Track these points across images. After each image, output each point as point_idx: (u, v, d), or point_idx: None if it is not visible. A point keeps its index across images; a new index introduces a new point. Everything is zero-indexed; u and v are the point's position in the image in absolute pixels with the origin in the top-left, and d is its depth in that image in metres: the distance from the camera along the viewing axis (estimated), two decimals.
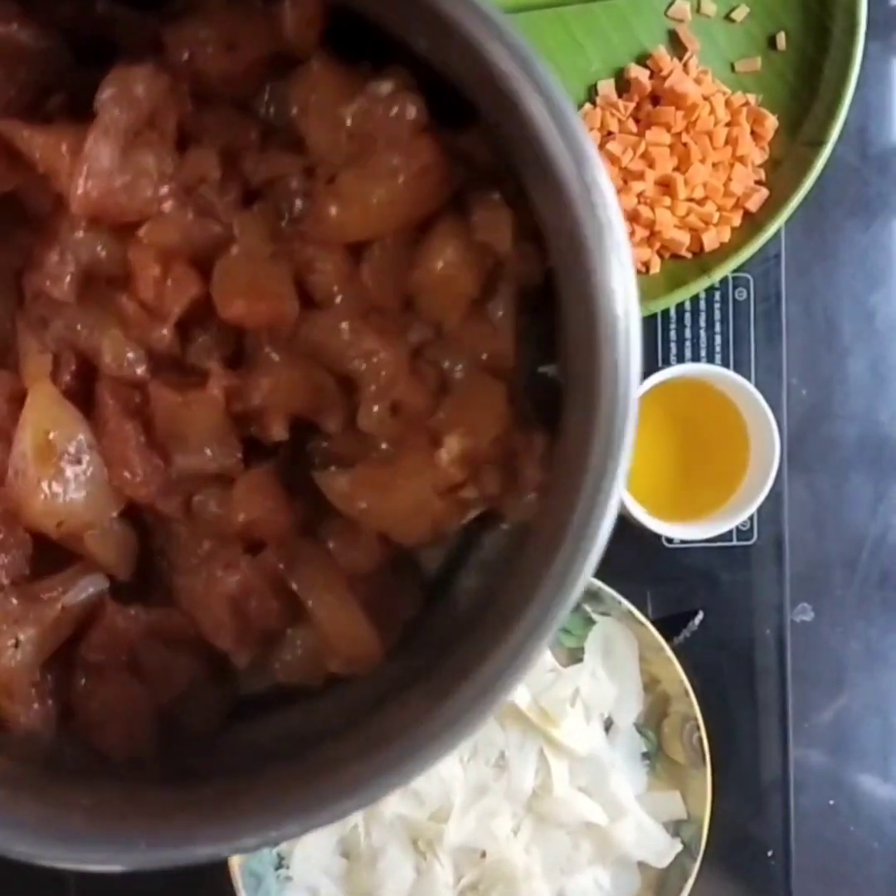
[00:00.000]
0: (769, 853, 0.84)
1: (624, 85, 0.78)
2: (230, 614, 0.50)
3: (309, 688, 0.53)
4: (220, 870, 0.73)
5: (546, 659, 0.77)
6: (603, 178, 0.43)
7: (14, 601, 0.49)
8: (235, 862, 0.73)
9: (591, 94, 0.78)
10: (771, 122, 0.78)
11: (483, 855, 0.77)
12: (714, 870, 0.80)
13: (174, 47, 0.48)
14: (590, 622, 0.78)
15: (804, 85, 0.79)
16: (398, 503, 0.49)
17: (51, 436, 0.48)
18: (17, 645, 0.49)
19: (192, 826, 0.43)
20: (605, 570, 0.70)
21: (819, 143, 0.76)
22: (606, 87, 0.77)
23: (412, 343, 0.50)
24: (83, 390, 0.50)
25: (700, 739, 0.77)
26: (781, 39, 0.79)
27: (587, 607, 0.77)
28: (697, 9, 0.78)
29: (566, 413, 0.49)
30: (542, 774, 0.77)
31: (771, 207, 0.77)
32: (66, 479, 0.48)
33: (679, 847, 0.78)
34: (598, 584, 0.76)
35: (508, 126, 0.45)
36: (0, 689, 0.49)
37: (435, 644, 0.51)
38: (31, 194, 0.49)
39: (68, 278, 0.49)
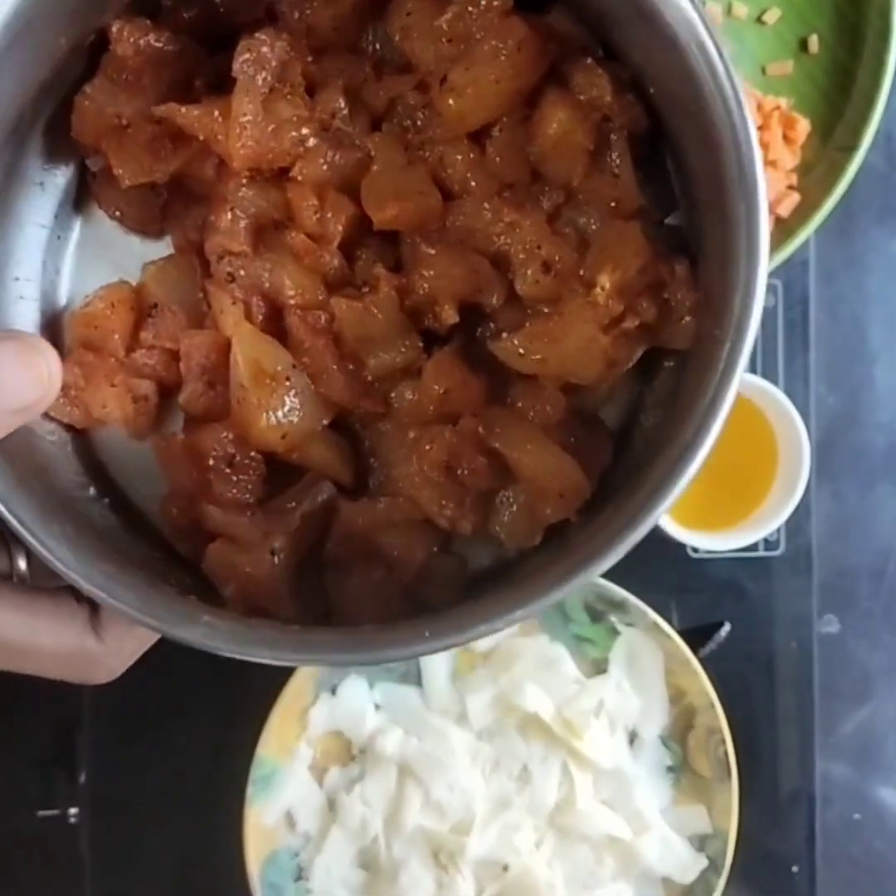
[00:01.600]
0: (794, 868, 0.82)
1: None
2: (446, 480, 0.55)
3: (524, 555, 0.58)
4: (239, 880, 0.73)
5: (569, 670, 0.76)
6: (699, 13, 0.48)
7: (263, 517, 0.56)
8: (255, 873, 0.74)
9: None
10: (803, 126, 0.76)
11: (505, 868, 0.76)
12: (738, 885, 0.79)
13: (285, 11, 0.55)
14: (615, 632, 0.77)
15: (836, 88, 0.77)
16: (569, 346, 0.54)
17: (261, 364, 0.55)
18: (273, 553, 0.55)
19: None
20: (630, 579, 0.74)
21: (852, 148, 0.74)
22: None
23: (547, 208, 0.56)
24: (277, 328, 0.57)
25: (726, 753, 0.75)
26: (814, 42, 0.77)
27: (612, 618, 0.76)
28: (728, 11, 0.77)
29: (705, 241, 0.54)
30: (565, 787, 0.76)
31: (802, 213, 0.75)
32: (281, 396, 0.55)
33: (704, 862, 0.77)
34: (624, 593, 0.75)
35: None
36: (266, 594, 0.55)
37: (615, 489, 0.56)
38: (195, 170, 0.57)
39: (243, 231, 0.56)
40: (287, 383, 0.55)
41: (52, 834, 0.78)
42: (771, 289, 0.80)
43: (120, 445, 0.60)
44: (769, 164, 0.75)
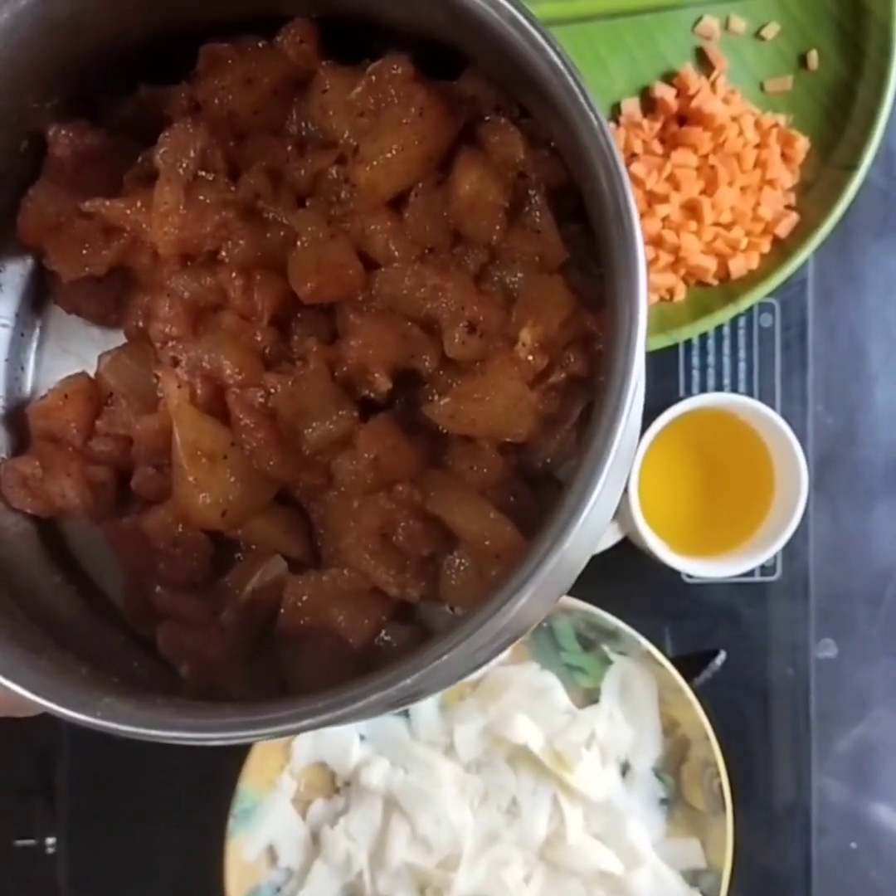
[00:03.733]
0: None
1: (649, 104, 0.74)
2: (383, 547, 0.55)
3: None
4: None
5: (561, 699, 0.74)
6: (583, 87, 0.47)
7: (211, 595, 0.56)
8: None
9: (615, 112, 0.74)
10: (802, 143, 0.74)
11: None
12: None
13: (205, 100, 0.57)
14: (607, 662, 0.75)
15: (837, 106, 0.75)
16: (497, 404, 0.53)
17: (198, 444, 0.56)
18: (222, 631, 0.56)
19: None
20: (623, 605, 0.73)
21: (852, 167, 0.72)
22: (631, 105, 0.74)
23: (472, 268, 0.55)
24: (219, 408, 0.58)
25: (720, 786, 0.73)
26: (813, 58, 0.75)
27: (604, 647, 0.74)
28: (726, 26, 0.75)
29: (607, 293, 0.53)
30: (555, 821, 0.74)
31: (801, 233, 0.74)
32: (218, 475, 0.55)
33: None
34: (616, 622, 0.73)
35: (492, 61, 0.51)
36: (219, 672, 0.56)
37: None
38: (133, 260, 0.58)
39: (180, 316, 0.57)
40: (224, 461, 0.55)
41: (29, 863, 0.77)
42: (768, 308, 0.78)
43: (84, 533, 0.61)
44: (768, 183, 0.74)
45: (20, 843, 0.77)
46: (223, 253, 0.56)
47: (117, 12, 0.52)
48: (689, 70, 0.73)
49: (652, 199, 0.73)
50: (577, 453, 0.55)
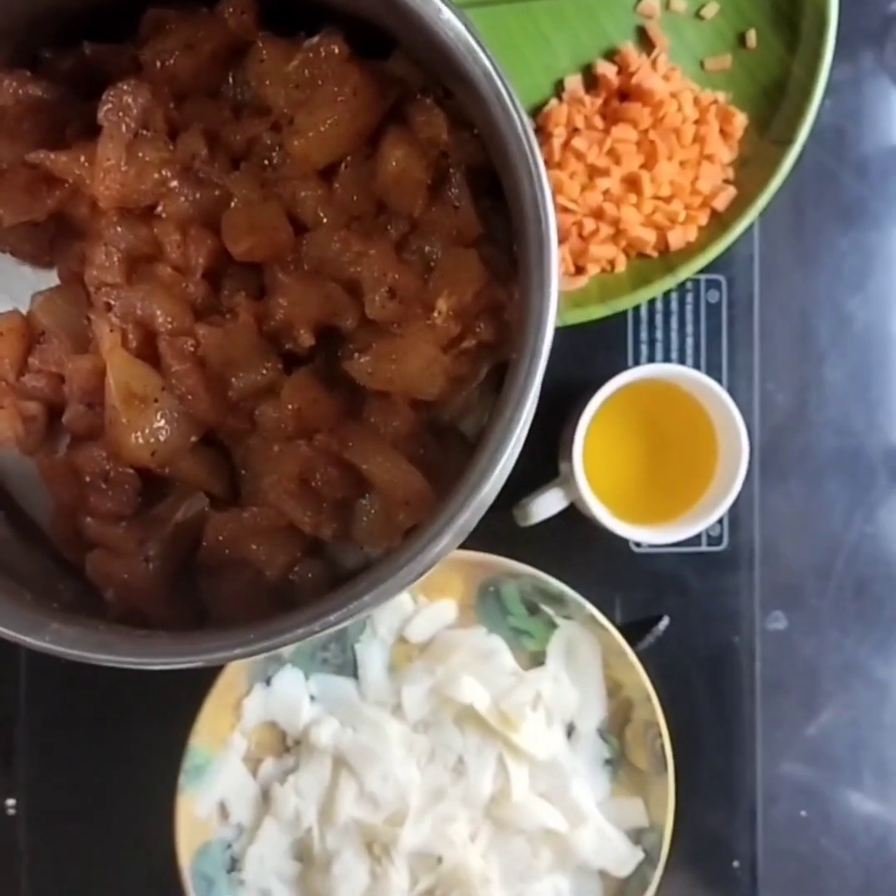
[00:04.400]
0: (735, 864, 0.82)
1: (591, 80, 0.76)
2: (301, 490, 0.60)
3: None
4: (173, 872, 0.73)
5: (507, 662, 0.76)
6: (495, 67, 0.52)
7: (138, 526, 0.61)
8: (185, 865, 0.73)
9: (558, 89, 0.76)
10: (740, 120, 0.76)
11: (439, 861, 0.75)
12: (678, 879, 0.79)
13: (148, 61, 0.60)
14: (552, 626, 0.76)
15: (774, 83, 0.77)
16: (413, 365, 0.59)
17: (131, 387, 0.60)
18: (147, 560, 0.60)
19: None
20: (573, 575, 0.75)
21: (787, 142, 0.74)
22: (573, 82, 0.76)
23: (393, 237, 0.60)
24: (151, 353, 0.62)
25: (663, 746, 0.75)
26: (752, 37, 0.77)
27: (549, 610, 0.76)
28: (667, 5, 0.76)
29: (519, 268, 0.58)
30: (500, 780, 0.76)
31: (738, 206, 0.76)
32: (149, 416, 0.60)
33: (640, 855, 0.77)
34: (561, 587, 0.75)
35: (422, 48, 0.55)
36: (143, 598, 0.60)
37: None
38: (72, 208, 0.62)
39: (116, 265, 0.61)
40: (155, 404, 0.60)
41: None
42: (715, 285, 0.80)
43: (14, 463, 0.65)
44: (706, 158, 0.76)
45: None
46: (160, 208, 0.60)
47: None
48: (630, 48, 0.76)
49: (593, 172, 0.75)
50: (486, 414, 0.61)
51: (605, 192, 0.75)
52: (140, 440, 0.59)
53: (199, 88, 0.61)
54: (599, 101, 0.75)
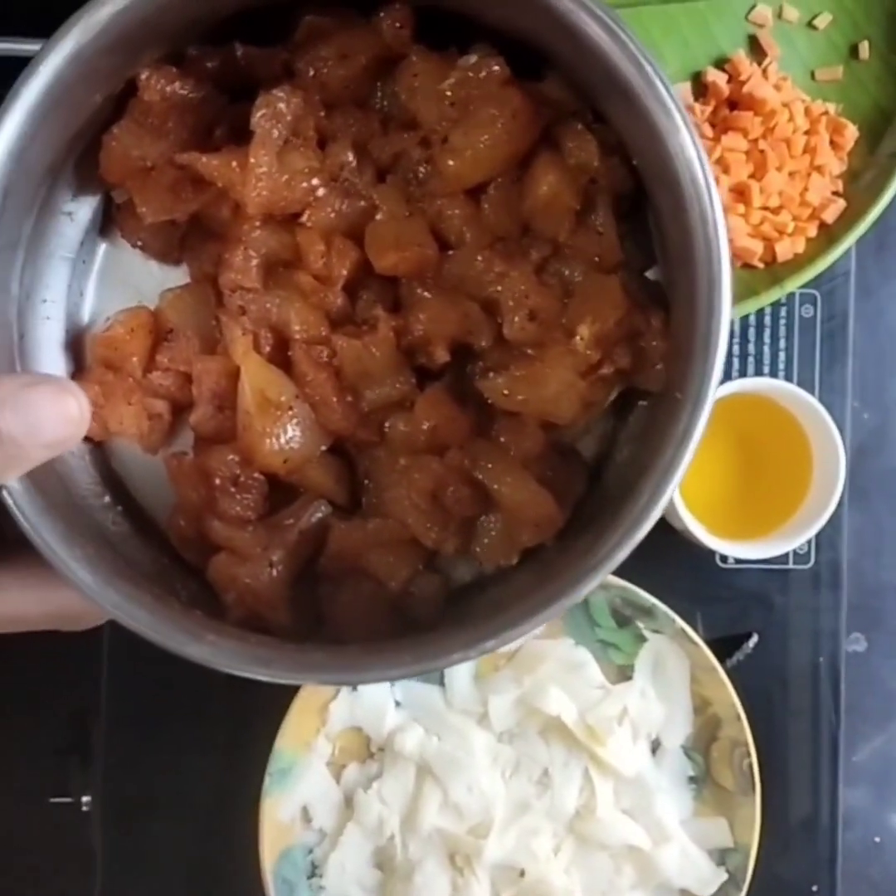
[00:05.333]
0: (814, 888, 0.81)
1: (700, 89, 0.76)
2: (431, 506, 0.60)
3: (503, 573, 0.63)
4: (252, 875, 0.73)
5: (594, 675, 0.76)
6: (672, 94, 0.52)
7: (263, 531, 0.61)
8: (268, 868, 0.73)
9: None
10: (851, 131, 0.76)
11: (522, 874, 0.75)
12: None
13: (301, 68, 0.60)
14: (641, 639, 0.76)
15: (887, 96, 0.76)
16: (550, 389, 0.59)
17: (266, 393, 0.60)
18: (271, 565, 0.61)
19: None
20: (656, 588, 0.75)
21: None
22: (683, 90, 0.75)
23: (535, 260, 0.60)
24: (282, 359, 0.62)
25: (750, 765, 0.75)
26: (864, 48, 0.77)
27: (639, 624, 0.76)
28: (779, 14, 0.76)
29: (673, 296, 0.59)
30: (585, 794, 0.75)
31: (848, 220, 0.75)
32: (283, 424, 0.60)
33: (724, 876, 0.76)
34: (652, 599, 0.74)
35: (584, 66, 0.55)
36: (264, 602, 0.61)
37: (590, 520, 0.61)
38: (213, 210, 0.62)
39: (254, 269, 0.61)
40: (290, 412, 0.60)
41: (64, 821, 0.78)
42: (809, 299, 0.80)
43: (134, 458, 0.65)
44: (816, 169, 0.75)
45: (55, 800, 0.78)
46: (306, 217, 0.60)
47: None
48: (741, 56, 0.75)
49: None
50: (628, 447, 0.62)
51: None
52: (275, 447, 0.59)
53: (348, 98, 0.61)
54: (709, 110, 0.75)
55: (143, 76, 0.60)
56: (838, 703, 0.81)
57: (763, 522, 0.75)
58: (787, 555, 0.80)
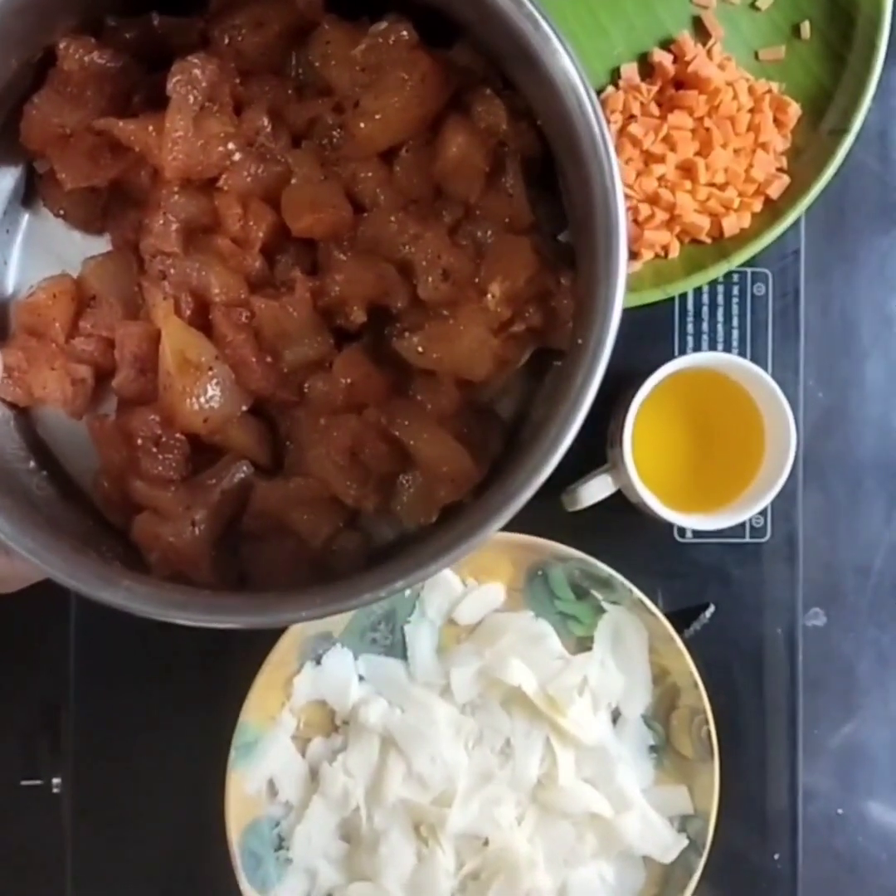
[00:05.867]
0: (776, 856, 0.82)
1: (647, 69, 0.77)
2: (350, 463, 0.62)
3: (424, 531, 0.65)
4: (222, 851, 0.74)
5: (554, 646, 0.77)
6: (574, 63, 0.54)
7: (185, 491, 0.62)
8: (235, 841, 0.73)
9: (615, 77, 0.77)
10: (794, 109, 0.77)
11: (485, 843, 0.76)
12: (718, 869, 0.79)
13: (217, 37, 0.62)
14: (600, 611, 0.77)
15: (828, 74, 0.78)
16: (463, 346, 0.61)
17: (186, 354, 0.61)
18: (194, 524, 0.62)
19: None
20: (616, 563, 0.75)
21: (842, 131, 0.76)
22: (629, 70, 0.77)
23: (447, 222, 0.62)
24: (203, 322, 0.63)
25: (709, 733, 0.76)
26: (806, 28, 0.78)
27: (598, 595, 0.77)
28: None
29: (579, 259, 0.61)
30: (547, 763, 0.76)
31: (792, 195, 0.77)
32: (203, 384, 0.61)
33: (685, 842, 0.77)
34: (609, 571, 0.75)
35: (489, 31, 0.57)
36: (187, 561, 0.62)
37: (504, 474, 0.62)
38: (132, 177, 0.63)
39: (174, 234, 0.62)
40: (210, 373, 0.61)
41: (35, 804, 0.78)
42: (761, 278, 0.81)
43: (58, 423, 0.66)
44: (760, 146, 0.77)
45: (26, 783, 0.77)
46: (223, 181, 0.61)
47: None
48: (686, 37, 0.77)
49: (649, 158, 0.76)
50: (543, 407, 0.63)
51: (661, 179, 0.76)
52: (194, 407, 0.61)
53: (264, 66, 0.62)
54: (655, 89, 0.77)
55: (62, 46, 0.61)
56: (795, 674, 0.82)
57: (718, 494, 0.76)
58: (743, 529, 0.81)
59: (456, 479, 0.61)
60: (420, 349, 0.61)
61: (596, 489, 0.74)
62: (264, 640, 0.73)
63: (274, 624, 0.54)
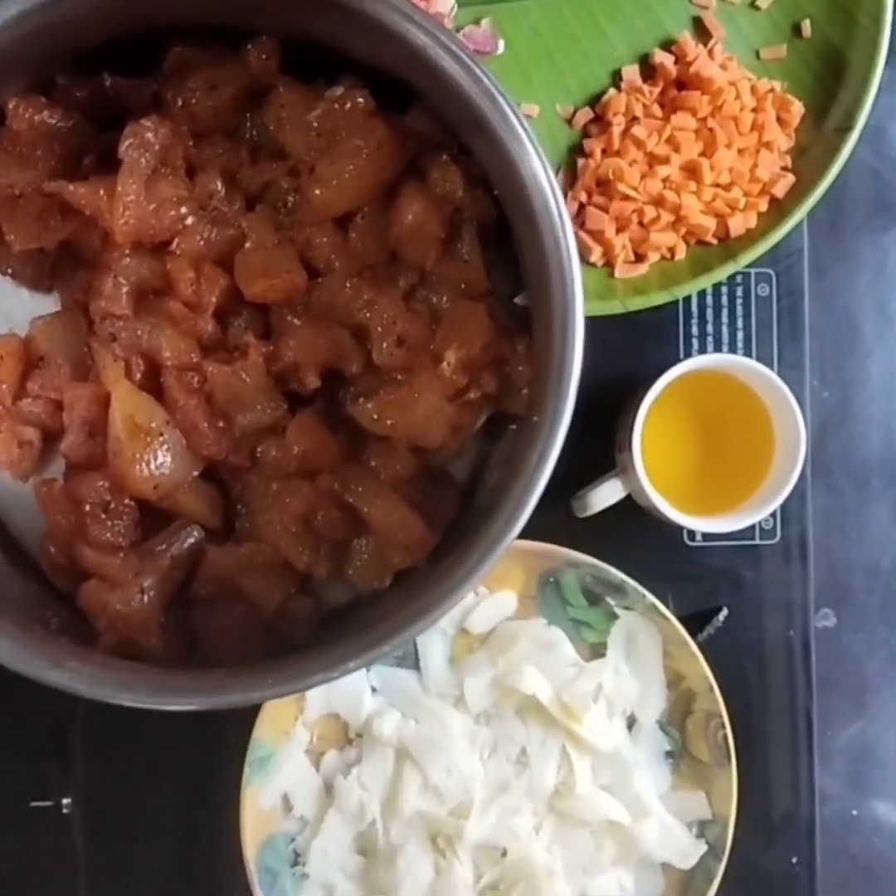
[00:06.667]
0: (794, 860, 0.81)
1: (648, 71, 0.77)
2: (302, 529, 0.61)
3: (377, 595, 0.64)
4: (236, 868, 0.73)
5: (568, 653, 0.77)
6: (524, 126, 0.55)
7: (134, 558, 0.61)
8: (251, 858, 0.73)
9: (616, 79, 0.77)
10: (797, 108, 0.77)
11: (504, 853, 0.75)
12: (736, 874, 0.78)
13: (170, 99, 0.61)
14: (613, 616, 0.77)
15: (830, 72, 0.78)
16: (418, 413, 0.61)
17: (136, 418, 0.60)
18: (142, 591, 0.61)
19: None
20: (626, 567, 0.75)
21: (846, 129, 0.76)
22: (631, 72, 0.77)
23: (403, 287, 0.62)
24: (154, 385, 0.62)
25: (725, 737, 0.76)
26: (806, 27, 0.78)
27: (610, 600, 0.76)
28: None
29: (535, 325, 0.61)
30: (564, 771, 0.76)
31: (797, 194, 0.77)
32: (154, 450, 0.60)
33: (704, 848, 0.77)
34: (622, 576, 0.75)
35: (445, 99, 0.57)
36: (136, 628, 0.61)
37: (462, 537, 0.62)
38: (83, 238, 0.62)
39: (124, 297, 0.62)
40: (160, 438, 0.60)
41: (45, 825, 0.77)
42: (765, 278, 0.81)
43: (4, 485, 0.65)
44: (764, 145, 0.77)
45: (36, 803, 0.77)
46: (175, 245, 0.60)
47: (109, 14, 0.56)
48: (687, 38, 0.77)
49: (653, 160, 0.76)
50: (498, 469, 0.63)
51: (665, 180, 0.76)
52: (144, 473, 0.60)
53: (218, 128, 0.62)
54: (658, 91, 0.77)
55: (12, 105, 0.60)
56: (810, 675, 0.82)
57: (728, 497, 0.76)
58: (753, 531, 0.81)
59: (410, 545, 0.61)
60: (375, 415, 0.61)
61: (606, 494, 0.74)
62: None
63: (224, 706, 0.53)
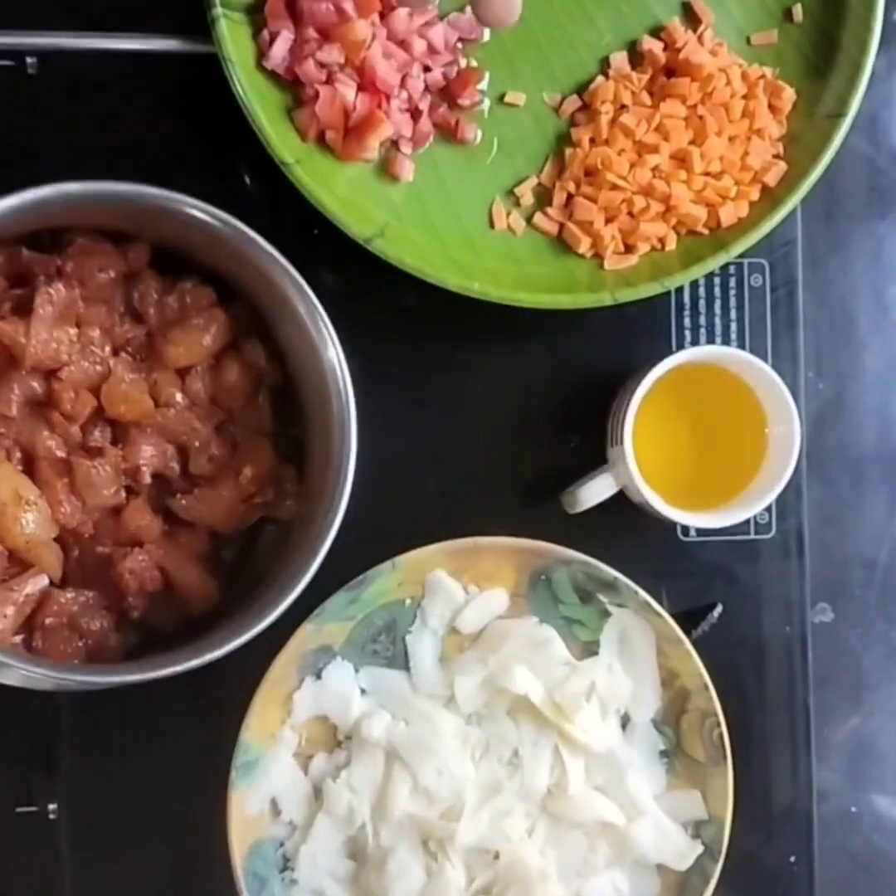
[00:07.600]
0: (792, 859, 0.79)
1: (637, 58, 0.75)
2: (122, 581, 0.86)
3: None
4: (224, 873, 0.72)
5: (560, 652, 0.75)
6: (327, 324, 0.84)
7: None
8: (238, 864, 0.71)
9: (604, 66, 0.75)
10: (788, 94, 0.75)
11: (496, 856, 0.74)
12: (734, 873, 0.76)
13: (70, 272, 0.87)
14: (605, 614, 0.75)
15: (822, 57, 0.75)
16: (220, 508, 0.88)
17: (18, 490, 0.84)
18: (4, 617, 0.84)
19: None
20: (619, 564, 0.73)
21: (839, 116, 0.73)
22: (620, 59, 0.75)
23: (215, 422, 0.90)
24: (28, 470, 0.86)
25: (721, 736, 0.73)
26: (798, 12, 0.76)
27: (603, 598, 0.74)
28: None
29: (309, 454, 0.90)
30: (556, 772, 0.74)
31: (790, 182, 0.74)
32: (28, 514, 0.84)
33: (700, 849, 0.75)
34: (614, 573, 0.73)
35: (266, 297, 0.87)
36: None
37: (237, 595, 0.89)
38: None
39: (14, 403, 0.86)
40: (35, 506, 0.84)
41: (31, 830, 0.76)
42: (758, 269, 0.78)
43: None
44: (755, 133, 0.74)
45: (21, 809, 0.75)
46: (63, 373, 0.86)
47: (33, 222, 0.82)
48: (676, 24, 0.75)
49: (642, 149, 0.73)
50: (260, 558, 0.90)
51: (655, 169, 0.74)
52: (22, 530, 0.84)
53: (101, 297, 0.88)
54: (646, 78, 0.75)
55: None
56: (807, 672, 0.79)
57: (721, 491, 0.74)
58: (748, 525, 0.78)
59: (203, 603, 0.88)
60: (187, 508, 0.88)
61: (597, 490, 0.74)
62: (262, 656, 0.73)
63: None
